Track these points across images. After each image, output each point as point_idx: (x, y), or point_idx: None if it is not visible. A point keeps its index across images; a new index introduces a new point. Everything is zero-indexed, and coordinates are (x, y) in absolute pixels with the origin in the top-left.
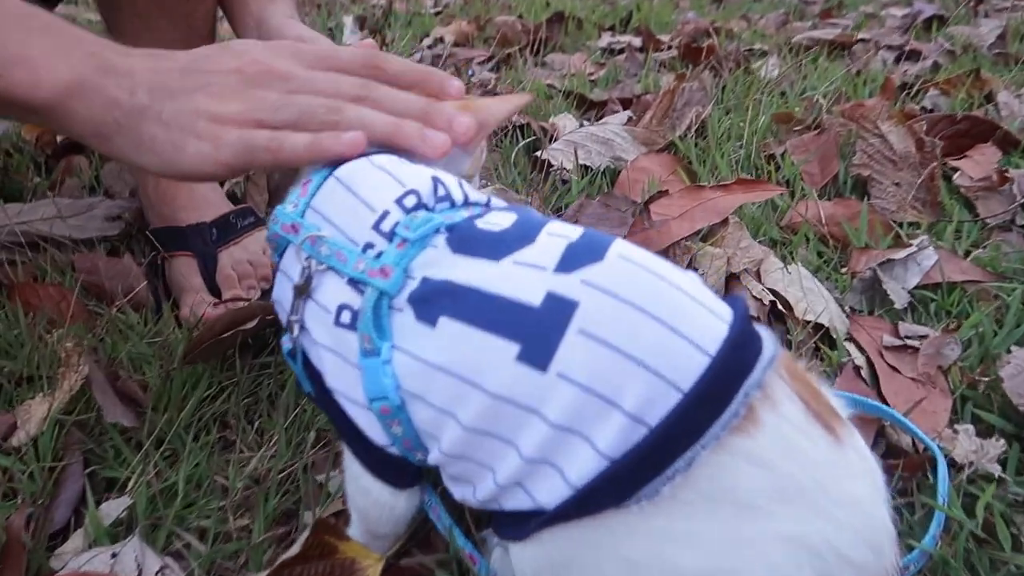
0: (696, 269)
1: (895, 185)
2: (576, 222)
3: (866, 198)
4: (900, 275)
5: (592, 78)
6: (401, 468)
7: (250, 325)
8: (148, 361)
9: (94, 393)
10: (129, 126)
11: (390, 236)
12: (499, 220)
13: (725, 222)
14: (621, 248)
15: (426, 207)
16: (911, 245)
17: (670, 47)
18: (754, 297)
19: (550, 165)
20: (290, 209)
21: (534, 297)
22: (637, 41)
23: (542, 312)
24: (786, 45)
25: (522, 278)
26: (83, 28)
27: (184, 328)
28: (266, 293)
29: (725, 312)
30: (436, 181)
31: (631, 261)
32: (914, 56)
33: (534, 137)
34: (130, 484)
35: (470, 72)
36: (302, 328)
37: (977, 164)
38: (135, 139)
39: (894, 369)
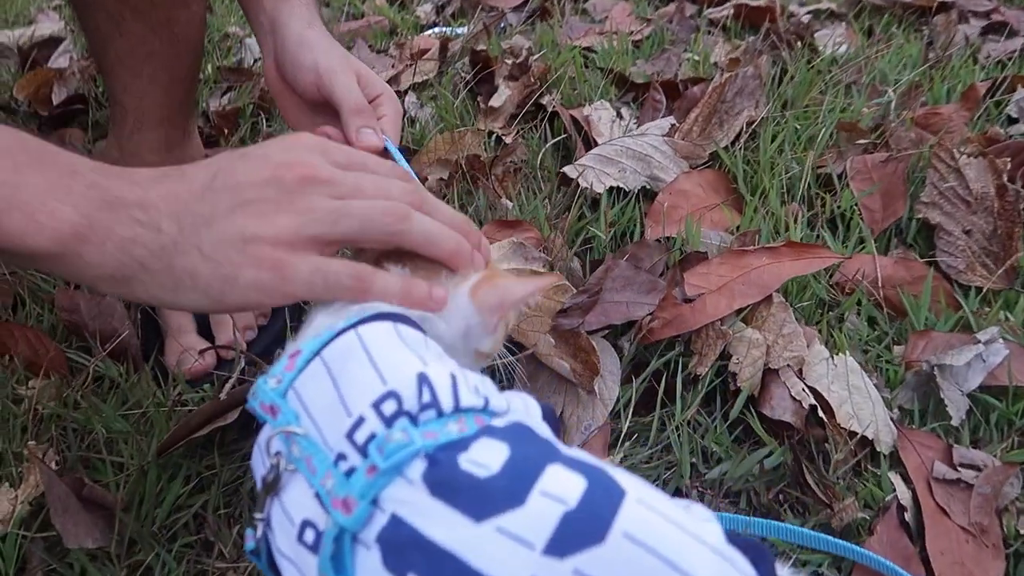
0: (731, 356)
1: (965, 233)
2: (600, 291)
3: (931, 253)
4: (961, 374)
5: (636, 38)
6: None
7: (230, 419)
8: (125, 439)
9: (52, 516)
10: (159, 265)
11: (363, 451)
12: (488, 459)
13: (768, 298)
14: (628, 519)
15: (408, 414)
16: (978, 342)
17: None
18: (793, 398)
19: (579, 185)
20: (272, 384)
21: None
22: None
23: None
24: (856, 6)
25: (505, 555)
26: (72, 151)
27: (167, 387)
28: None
29: None
30: (422, 381)
31: (637, 542)
32: (1003, 30)
33: (565, 135)
34: None
35: (501, 26)
36: (268, 526)
37: None
38: (168, 278)
39: (943, 511)
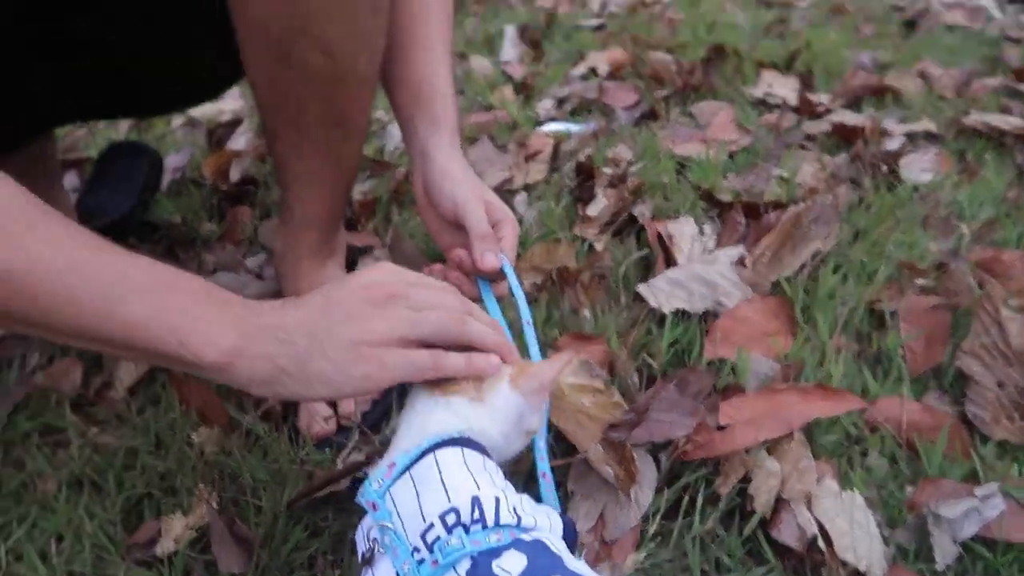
0: (751, 480)
1: (999, 386)
2: (647, 410)
3: (963, 399)
4: (957, 523)
5: (732, 148)
6: None
7: (343, 485)
8: (264, 488)
9: (212, 543)
10: (296, 370)
11: (430, 548)
12: (511, 566)
13: (791, 433)
14: None
15: (464, 526)
16: (975, 497)
17: (828, 110)
18: (799, 526)
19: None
20: (375, 487)
21: None
22: (793, 96)
23: None
24: (952, 127)
25: None
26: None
27: (297, 446)
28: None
29: None
30: (475, 502)
31: None
32: None
33: (647, 251)
34: None
35: (612, 128)
36: None
37: None
38: (303, 379)
39: None
